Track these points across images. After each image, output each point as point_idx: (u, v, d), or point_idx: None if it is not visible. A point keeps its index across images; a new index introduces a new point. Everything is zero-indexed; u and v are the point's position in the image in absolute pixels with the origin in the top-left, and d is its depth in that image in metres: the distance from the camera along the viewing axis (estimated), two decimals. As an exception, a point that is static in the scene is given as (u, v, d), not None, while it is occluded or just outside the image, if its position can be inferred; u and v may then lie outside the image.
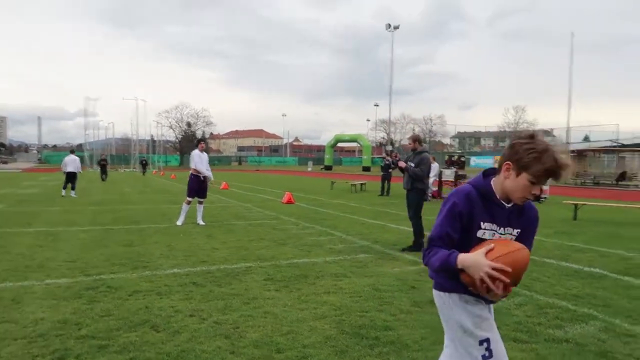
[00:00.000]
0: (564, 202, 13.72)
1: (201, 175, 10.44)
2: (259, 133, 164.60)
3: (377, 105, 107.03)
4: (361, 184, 22.63)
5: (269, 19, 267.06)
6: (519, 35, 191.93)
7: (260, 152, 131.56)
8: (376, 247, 7.92)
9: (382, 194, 19.15)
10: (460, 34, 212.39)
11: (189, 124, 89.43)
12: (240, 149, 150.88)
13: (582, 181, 31.39)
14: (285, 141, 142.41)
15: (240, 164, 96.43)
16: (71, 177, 17.66)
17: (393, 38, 54.85)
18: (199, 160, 10.36)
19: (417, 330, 4.02)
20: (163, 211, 12.92)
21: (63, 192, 17.56)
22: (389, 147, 45.80)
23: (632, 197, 20.22)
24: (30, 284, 5.39)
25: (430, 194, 17.91)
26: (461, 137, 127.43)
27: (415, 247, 7.61)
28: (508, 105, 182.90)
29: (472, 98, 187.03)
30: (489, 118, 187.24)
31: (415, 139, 8.01)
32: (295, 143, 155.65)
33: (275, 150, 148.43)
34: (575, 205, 12.28)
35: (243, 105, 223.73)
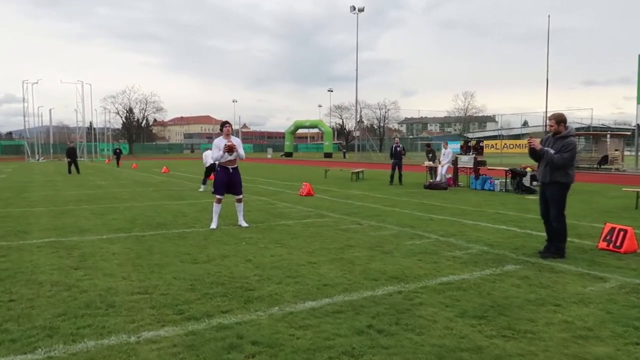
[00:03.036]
0: (624, 189, 12.81)
1: (230, 168, 8.42)
2: (206, 119, 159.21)
3: (331, 91, 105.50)
4: (359, 172, 21.14)
5: (205, 2, 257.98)
6: (452, 24, 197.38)
7: (211, 139, 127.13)
8: (502, 252, 6.43)
9: (392, 183, 17.72)
10: (400, 22, 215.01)
11: (130, 110, 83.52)
12: (188, 136, 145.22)
13: (561, 165, 31.41)
14: (235, 128, 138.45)
15: (192, 151, 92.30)
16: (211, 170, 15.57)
17: (358, 21, 53.46)
18: (215, 151, 8.32)
19: None
20: (178, 210, 10.84)
21: (202, 188, 15.52)
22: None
23: (622, 181, 19.93)
24: (121, 341, 3.48)
25: (444, 181, 16.68)
26: (408, 122, 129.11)
27: (558, 252, 6.18)
28: (448, 91, 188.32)
29: (413, 85, 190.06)
30: (430, 104, 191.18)
31: (559, 120, 6.29)
32: (244, 130, 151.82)
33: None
34: (638, 192, 11.35)
35: (184, 91, 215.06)
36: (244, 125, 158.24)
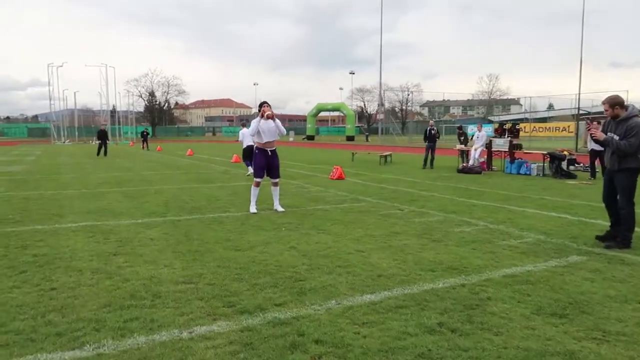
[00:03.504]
0: None
1: (268, 150, 8.11)
2: (227, 103, 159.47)
3: (353, 73, 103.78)
4: (387, 156, 20.67)
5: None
6: (474, 5, 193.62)
7: (232, 123, 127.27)
8: (561, 242, 6.00)
9: (425, 166, 17.25)
10: (420, 3, 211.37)
11: (152, 94, 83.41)
12: (209, 119, 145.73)
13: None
14: (254, 110, 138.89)
15: (214, 134, 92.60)
16: (247, 153, 14.97)
17: (382, 3, 52.23)
18: (254, 128, 7.97)
19: None
20: (209, 194, 10.62)
21: (250, 171, 14.32)
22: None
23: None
24: (173, 337, 3.21)
25: (478, 165, 16.13)
26: (430, 105, 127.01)
27: (624, 241, 5.74)
28: (470, 74, 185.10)
29: (435, 68, 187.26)
30: (453, 87, 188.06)
31: (613, 103, 5.78)
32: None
33: (246, 120, 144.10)
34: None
35: (205, 75, 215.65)
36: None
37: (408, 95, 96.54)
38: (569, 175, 14.29)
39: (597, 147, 14.56)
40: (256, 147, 8.18)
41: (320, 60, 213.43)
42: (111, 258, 5.19)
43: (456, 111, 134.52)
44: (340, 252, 5.48)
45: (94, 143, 27.94)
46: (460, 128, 18.62)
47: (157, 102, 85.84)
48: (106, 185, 12.02)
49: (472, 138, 18.41)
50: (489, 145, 16.92)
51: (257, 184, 8.15)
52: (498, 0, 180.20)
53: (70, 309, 3.71)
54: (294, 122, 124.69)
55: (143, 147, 34.89)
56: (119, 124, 67.98)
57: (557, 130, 35.74)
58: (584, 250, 5.61)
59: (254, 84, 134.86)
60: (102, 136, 25.80)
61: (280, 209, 8.29)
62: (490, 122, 69.18)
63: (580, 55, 30.37)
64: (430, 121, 17.96)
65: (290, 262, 5.06)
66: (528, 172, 15.34)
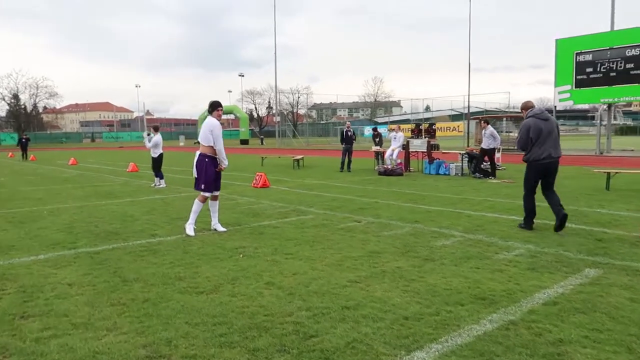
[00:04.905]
0: (595, 170, 12.69)
1: (218, 158, 6.84)
2: (105, 106, 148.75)
3: (243, 76, 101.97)
4: (299, 159, 19.83)
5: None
6: (356, 11, 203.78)
7: (112, 128, 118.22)
8: (557, 252, 5.51)
9: (342, 169, 16.64)
10: (303, 8, 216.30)
11: (16, 96, 74.10)
12: (85, 124, 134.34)
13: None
14: (136, 114, 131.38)
15: (93, 140, 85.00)
16: (159, 163, 13.00)
17: (275, 5, 51.53)
18: (219, 135, 6.77)
19: None
20: (121, 212, 8.84)
21: (157, 183, 12.91)
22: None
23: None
24: None
25: (398, 167, 15.88)
26: (318, 108, 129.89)
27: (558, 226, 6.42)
28: (351, 77, 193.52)
29: (319, 70, 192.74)
30: (335, 89, 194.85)
31: (521, 108, 6.91)
32: (148, 117, 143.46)
33: (127, 125, 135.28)
34: (608, 173, 11.22)
35: (78, 76, 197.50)
36: (148, 112, 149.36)
37: (299, 97, 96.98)
38: (487, 174, 14.50)
39: (486, 146, 14.66)
40: (206, 155, 6.79)
41: (205, 61, 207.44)
42: (20, 324, 3.59)
43: (343, 113, 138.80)
44: (332, 284, 4.41)
45: None
46: (375, 129, 18.34)
47: (23, 106, 76.62)
48: (-22, 207, 9.60)
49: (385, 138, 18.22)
50: (406, 147, 16.78)
51: (204, 200, 6.79)
52: (380, 6, 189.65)
53: None
54: (181, 126, 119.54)
55: (25, 157, 29.87)
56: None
57: (447, 130, 37.59)
58: (589, 260, 5.14)
59: (136, 86, 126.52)
60: None
61: (220, 228, 6.97)
62: (377, 123, 71.89)
63: (468, 61, 32.13)
64: (347, 122, 17.40)
65: (280, 307, 3.88)
66: (447, 172, 15.40)
